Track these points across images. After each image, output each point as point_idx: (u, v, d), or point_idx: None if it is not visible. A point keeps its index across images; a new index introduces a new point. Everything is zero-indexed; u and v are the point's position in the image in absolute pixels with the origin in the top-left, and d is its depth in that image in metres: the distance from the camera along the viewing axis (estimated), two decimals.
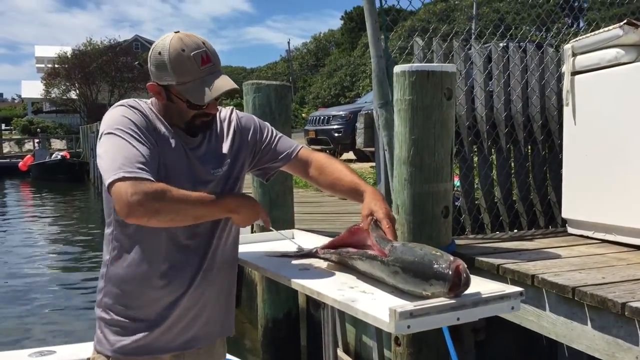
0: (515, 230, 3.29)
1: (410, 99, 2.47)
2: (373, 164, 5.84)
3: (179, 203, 1.39)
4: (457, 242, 2.81)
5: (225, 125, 1.67)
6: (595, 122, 2.82)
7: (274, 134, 1.76)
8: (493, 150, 3.31)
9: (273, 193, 3.58)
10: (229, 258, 1.67)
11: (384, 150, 2.95)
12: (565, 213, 3.06)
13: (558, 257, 2.59)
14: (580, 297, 2.05)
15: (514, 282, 2.30)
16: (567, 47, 2.94)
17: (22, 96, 51.46)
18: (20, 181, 23.18)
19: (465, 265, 1.22)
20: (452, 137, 2.57)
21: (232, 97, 30.66)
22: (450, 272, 1.20)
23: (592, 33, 2.84)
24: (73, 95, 37.56)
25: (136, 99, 1.56)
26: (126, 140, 1.41)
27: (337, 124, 10.80)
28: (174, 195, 1.38)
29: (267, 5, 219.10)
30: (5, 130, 37.95)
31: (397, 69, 2.53)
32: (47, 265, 8.85)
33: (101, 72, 36.56)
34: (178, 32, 1.50)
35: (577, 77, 2.91)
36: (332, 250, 1.59)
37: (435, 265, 1.23)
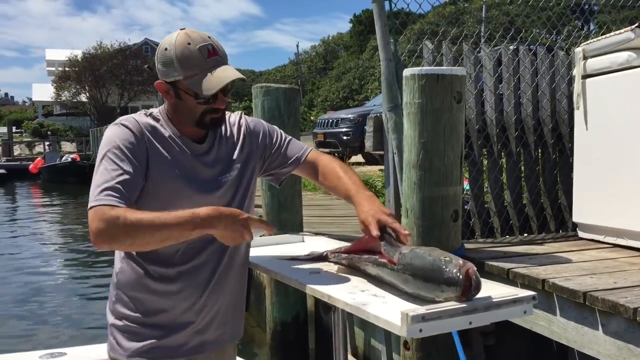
0: (526, 234, 3.28)
1: (419, 102, 2.47)
2: (382, 167, 5.83)
3: (134, 228, 1.33)
4: (467, 246, 2.81)
5: (234, 130, 1.66)
6: (607, 125, 2.80)
7: (284, 138, 1.75)
8: (503, 153, 3.29)
9: (282, 196, 3.58)
10: (242, 263, 1.67)
11: (393, 154, 2.95)
12: (576, 217, 3.05)
13: (569, 261, 2.57)
14: (592, 302, 2.04)
15: (524, 287, 2.28)
16: (578, 50, 2.93)
17: (33, 99, 51.82)
18: (31, 183, 23.31)
19: (475, 268, 1.22)
20: (462, 141, 2.57)
21: (241, 100, 30.74)
22: (461, 277, 1.19)
23: (604, 36, 2.83)
24: (83, 98, 37.81)
25: (134, 115, 1.55)
26: (107, 165, 1.43)
27: (346, 127, 10.79)
28: (128, 220, 1.33)
29: (276, 8, 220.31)
30: (16, 132, 38.18)
31: (407, 72, 2.53)
32: (57, 267, 8.90)
33: (111, 75, 36.85)
34: (184, 28, 1.51)
35: (588, 80, 2.89)
36: (342, 254, 1.59)
37: (446, 271, 1.22)
